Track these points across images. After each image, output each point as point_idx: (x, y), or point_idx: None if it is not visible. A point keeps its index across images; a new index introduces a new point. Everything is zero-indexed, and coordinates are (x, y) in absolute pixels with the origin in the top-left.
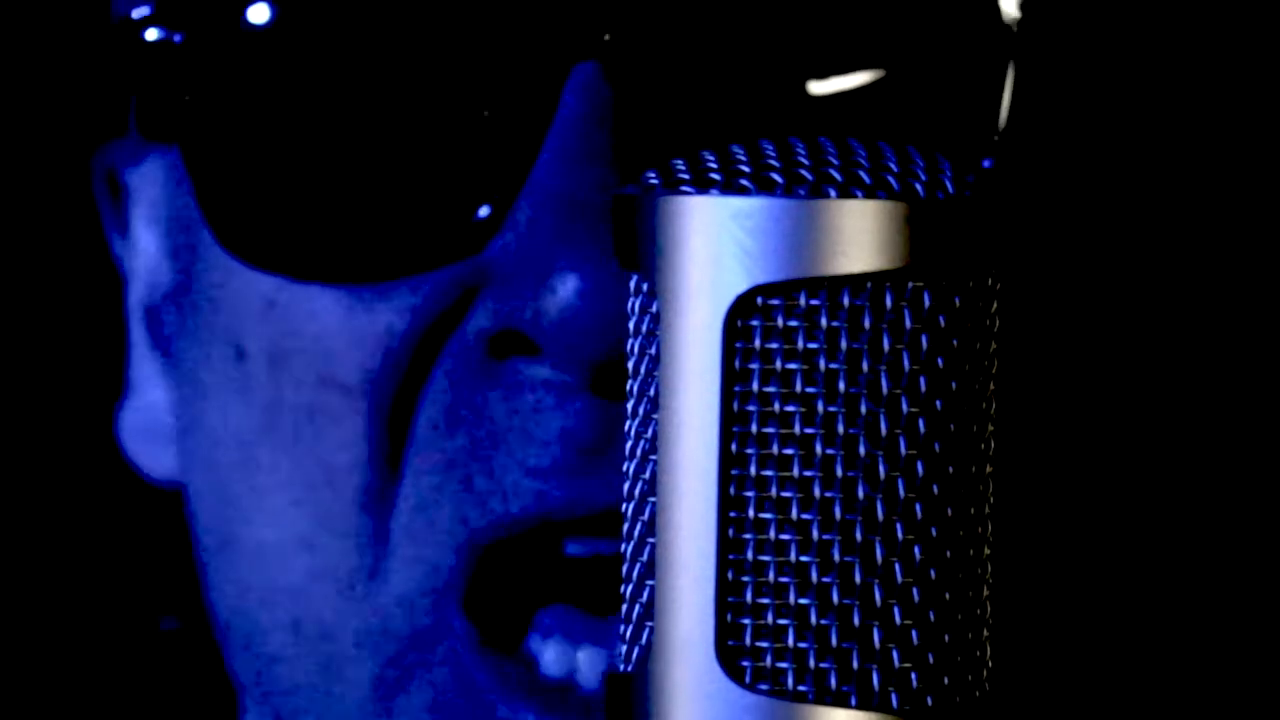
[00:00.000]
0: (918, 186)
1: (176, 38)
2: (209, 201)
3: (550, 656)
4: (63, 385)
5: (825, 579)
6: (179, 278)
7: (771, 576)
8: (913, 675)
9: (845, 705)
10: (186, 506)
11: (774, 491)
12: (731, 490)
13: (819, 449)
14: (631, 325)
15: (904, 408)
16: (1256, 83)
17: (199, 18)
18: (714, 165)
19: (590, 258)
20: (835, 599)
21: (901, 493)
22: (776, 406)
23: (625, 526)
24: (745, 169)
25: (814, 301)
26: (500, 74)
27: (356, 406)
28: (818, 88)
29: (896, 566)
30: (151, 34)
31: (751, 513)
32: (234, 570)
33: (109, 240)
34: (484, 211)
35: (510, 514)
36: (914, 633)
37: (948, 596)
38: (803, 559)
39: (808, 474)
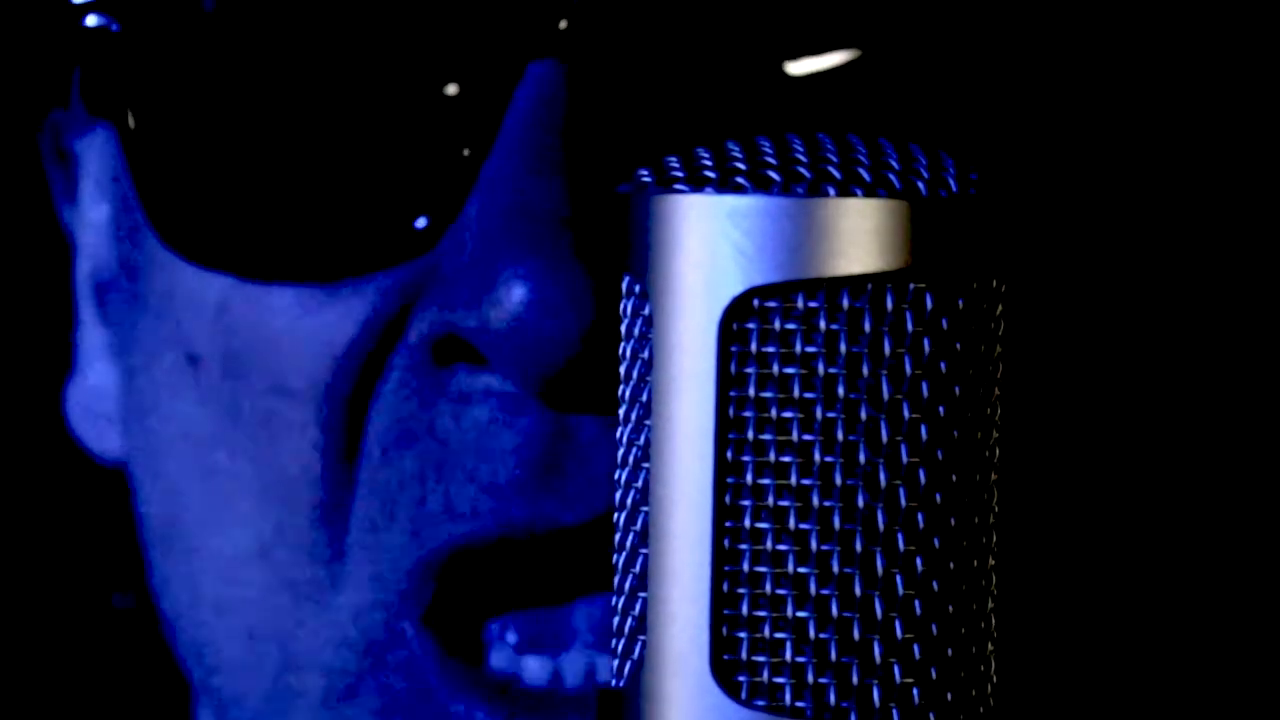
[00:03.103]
0: (920, 185)
1: (114, 26)
2: (150, 198)
3: (500, 656)
4: (10, 358)
5: (824, 591)
6: (127, 258)
7: (768, 588)
8: (914, 691)
9: None
10: (131, 490)
11: (771, 500)
12: (727, 499)
13: (817, 456)
14: (624, 328)
15: (905, 413)
16: (1270, 82)
17: (138, 8)
18: (709, 163)
19: (540, 266)
20: (834, 612)
21: (903, 502)
22: (773, 412)
23: (617, 536)
24: (741, 167)
25: (812, 304)
26: (452, 71)
27: (308, 416)
28: (794, 68)
29: (898, 578)
30: (90, 20)
31: (748, 522)
32: (187, 575)
33: (58, 208)
34: (431, 213)
35: (467, 533)
36: (916, 647)
37: (951, 609)
38: (801, 570)
39: (806, 482)
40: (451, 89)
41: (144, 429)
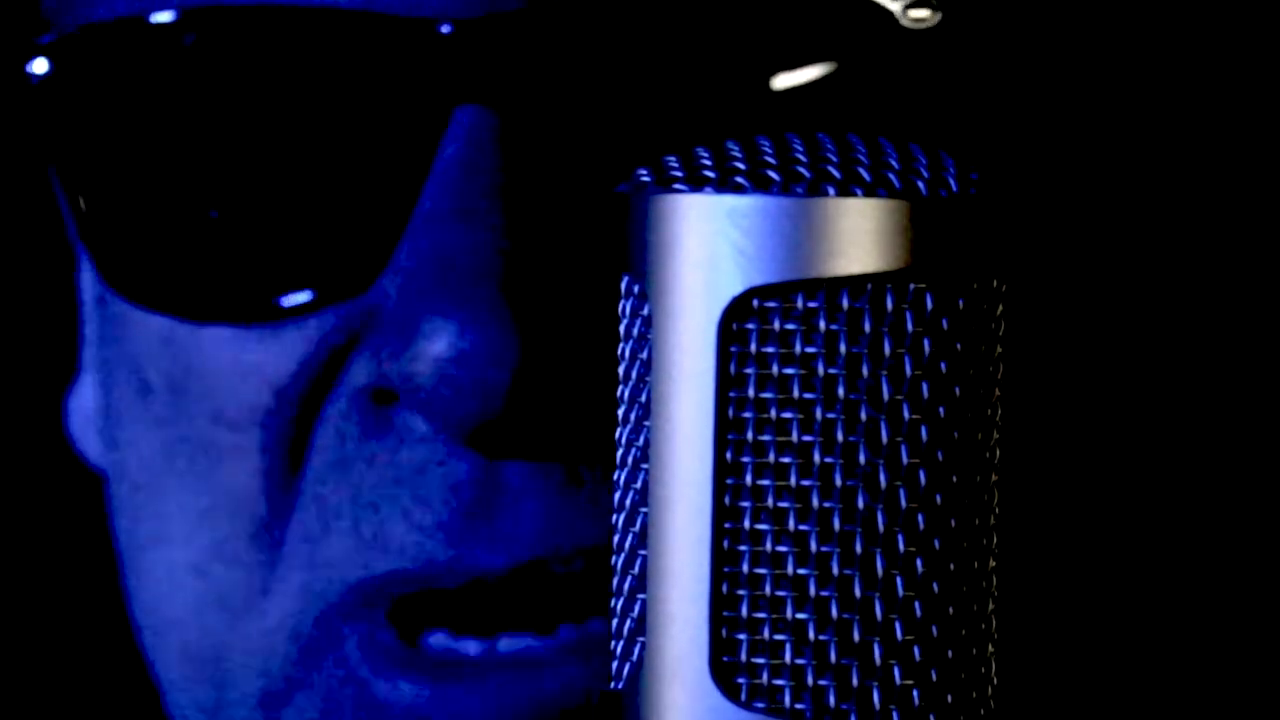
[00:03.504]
0: (920, 184)
1: (34, 79)
2: (90, 239)
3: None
4: (18, 366)
5: (824, 593)
6: (96, 290)
7: (768, 590)
8: (915, 693)
9: None
10: (106, 499)
11: (770, 502)
12: (726, 500)
13: (817, 457)
14: (622, 329)
15: (905, 414)
16: (1270, 82)
17: (72, 52)
18: (708, 162)
19: (464, 316)
20: (834, 613)
21: (903, 503)
22: (773, 413)
23: (615, 538)
24: (741, 166)
25: (812, 304)
26: (379, 118)
27: (246, 442)
28: (777, 83)
29: (898, 580)
30: (37, 66)
31: (747, 524)
32: (140, 594)
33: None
34: (362, 255)
35: (393, 568)
36: (916, 648)
37: (951, 611)
38: (800, 572)
39: (805, 483)
40: (380, 137)
41: (113, 442)
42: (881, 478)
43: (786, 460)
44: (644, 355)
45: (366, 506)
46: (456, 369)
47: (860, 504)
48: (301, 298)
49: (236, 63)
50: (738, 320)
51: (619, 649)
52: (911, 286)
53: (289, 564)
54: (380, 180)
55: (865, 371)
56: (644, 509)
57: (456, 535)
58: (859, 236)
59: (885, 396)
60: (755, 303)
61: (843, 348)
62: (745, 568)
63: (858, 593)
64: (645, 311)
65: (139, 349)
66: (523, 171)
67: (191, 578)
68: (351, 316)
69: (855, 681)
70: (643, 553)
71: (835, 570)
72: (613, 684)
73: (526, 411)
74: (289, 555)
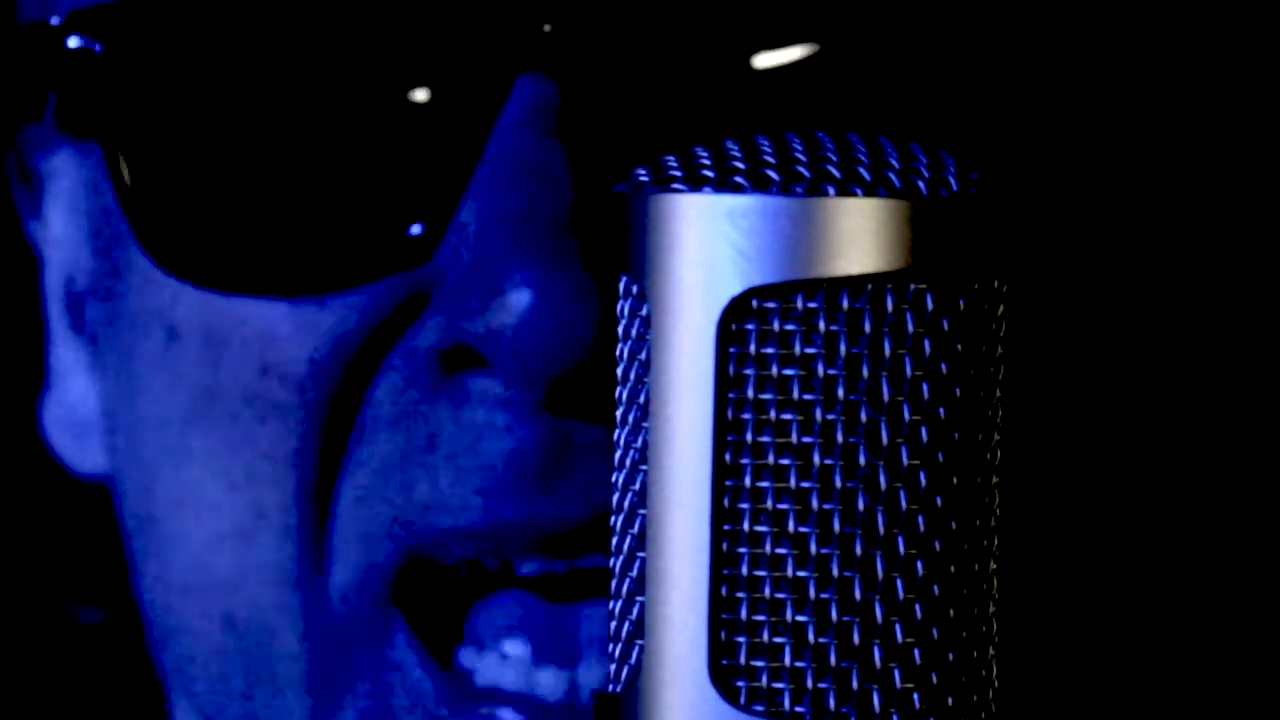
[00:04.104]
0: (920, 184)
1: (97, 47)
2: (137, 217)
3: (486, 664)
4: None
5: (824, 595)
6: (103, 267)
7: (767, 592)
8: (915, 696)
9: None
10: (115, 501)
11: (770, 503)
12: (725, 502)
13: (817, 459)
14: (621, 329)
15: (906, 415)
16: (1270, 82)
17: (121, 28)
18: (707, 162)
19: (544, 271)
20: (834, 616)
21: (903, 505)
22: (772, 414)
23: (614, 540)
24: (740, 166)
25: (811, 304)
26: (440, 84)
27: (300, 399)
28: (759, 62)
29: (898, 582)
30: (72, 42)
31: (746, 525)
32: (162, 565)
33: (24, 225)
34: (422, 222)
35: (454, 528)
36: (916, 651)
37: (952, 613)
38: (800, 574)
39: (805, 485)
40: (439, 100)
41: (124, 424)
42: (882, 479)
43: (786, 462)
44: (643, 356)
45: (421, 464)
46: (542, 322)
47: (860, 506)
48: (362, 268)
49: (293, 29)
50: (737, 321)
51: (617, 652)
52: (912, 287)
53: (343, 533)
54: (439, 145)
55: (865, 372)
56: (642, 511)
57: (525, 497)
58: (859, 236)
59: (885, 397)
60: (755, 303)
61: (843, 348)
62: (744, 570)
63: (858, 595)
64: (644, 312)
65: (170, 298)
66: (585, 132)
67: (236, 542)
68: (415, 283)
69: (855, 684)
70: (641, 555)
71: (835, 572)
72: (611, 687)
73: (602, 369)
74: (341, 522)
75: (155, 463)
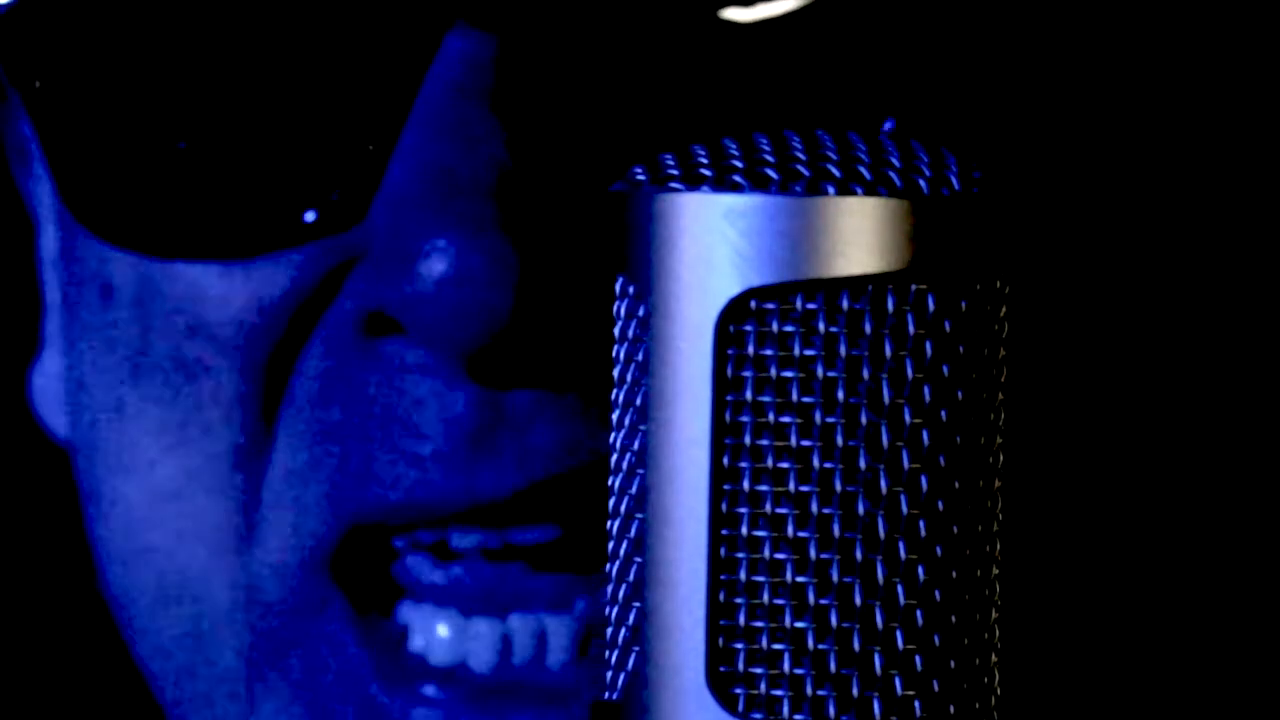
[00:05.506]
0: (921, 183)
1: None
2: (62, 176)
3: (428, 638)
4: None
5: (823, 601)
6: (66, 228)
7: (766, 598)
8: (916, 704)
9: None
10: (72, 467)
11: (768, 508)
12: (723, 506)
13: (816, 462)
14: (617, 330)
15: (907, 418)
16: (1270, 82)
17: None
18: (705, 161)
19: (461, 237)
20: (834, 622)
21: (904, 509)
22: (771, 417)
23: (610, 545)
24: (738, 164)
25: (811, 305)
26: (365, 44)
27: (228, 361)
28: (737, 15)
29: (899, 587)
30: None
31: (745, 530)
32: (104, 528)
33: (19, 185)
34: (348, 185)
35: (388, 500)
36: (917, 658)
37: (953, 619)
38: (799, 580)
39: (804, 489)
40: (369, 57)
41: (73, 386)
42: (882, 483)
43: (785, 465)
44: (639, 358)
45: (355, 435)
46: (458, 290)
47: (861, 510)
48: (285, 232)
49: None
50: (735, 322)
51: (614, 658)
52: (913, 287)
53: (275, 500)
54: (365, 107)
55: (865, 374)
56: (639, 515)
57: (458, 466)
58: (859, 236)
59: (886, 400)
60: (753, 304)
61: (842, 350)
62: (743, 575)
63: (858, 601)
64: (641, 313)
65: (98, 259)
66: (519, 96)
67: (168, 504)
68: (343, 246)
69: (855, 692)
70: (638, 560)
71: (835, 578)
72: (607, 694)
73: (527, 337)
74: (274, 489)
75: (98, 424)
